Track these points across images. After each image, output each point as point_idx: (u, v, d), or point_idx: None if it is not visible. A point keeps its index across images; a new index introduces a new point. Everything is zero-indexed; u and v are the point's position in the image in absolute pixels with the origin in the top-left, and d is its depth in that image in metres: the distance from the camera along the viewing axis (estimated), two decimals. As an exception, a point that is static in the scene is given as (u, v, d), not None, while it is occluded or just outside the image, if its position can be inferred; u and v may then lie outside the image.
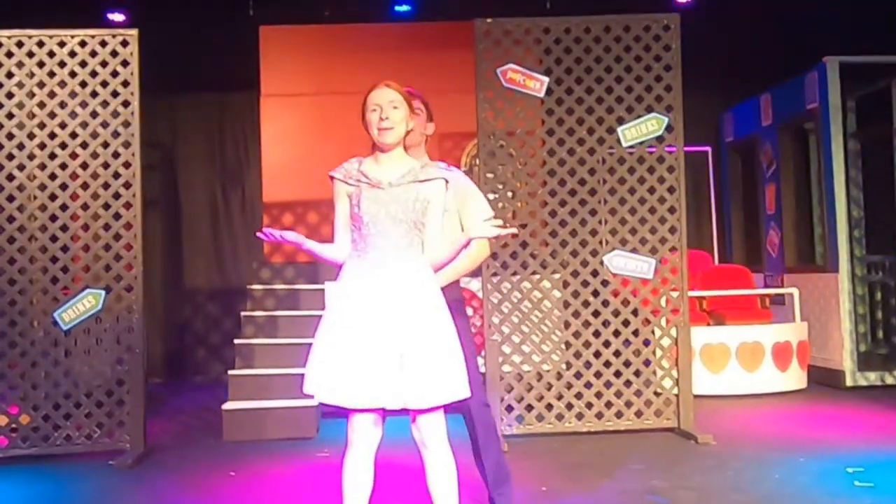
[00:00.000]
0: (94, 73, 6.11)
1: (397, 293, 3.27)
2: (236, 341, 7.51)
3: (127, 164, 6.11)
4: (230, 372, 7.14)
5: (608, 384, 6.34)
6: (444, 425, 3.33)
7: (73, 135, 6.10)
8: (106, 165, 6.11)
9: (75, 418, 6.05)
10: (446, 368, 3.25)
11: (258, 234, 3.42)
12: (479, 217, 3.95)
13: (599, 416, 6.34)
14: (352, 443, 3.35)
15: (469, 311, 7.82)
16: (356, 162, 3.45)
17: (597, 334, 6.35)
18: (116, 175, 6.11)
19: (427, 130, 4.08)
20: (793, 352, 8.19)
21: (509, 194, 6.58)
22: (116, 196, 6.11)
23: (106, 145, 6.11)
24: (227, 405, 6.79)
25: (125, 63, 6.12)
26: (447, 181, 3.41)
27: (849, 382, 8.08)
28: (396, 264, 3.30)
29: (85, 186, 6.11)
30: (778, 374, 8.10)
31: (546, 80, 6.30)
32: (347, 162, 3.47)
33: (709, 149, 10.37)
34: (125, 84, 6.12)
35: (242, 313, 7.88)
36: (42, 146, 6.08)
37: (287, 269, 8.63)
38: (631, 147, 6.37)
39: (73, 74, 6.11)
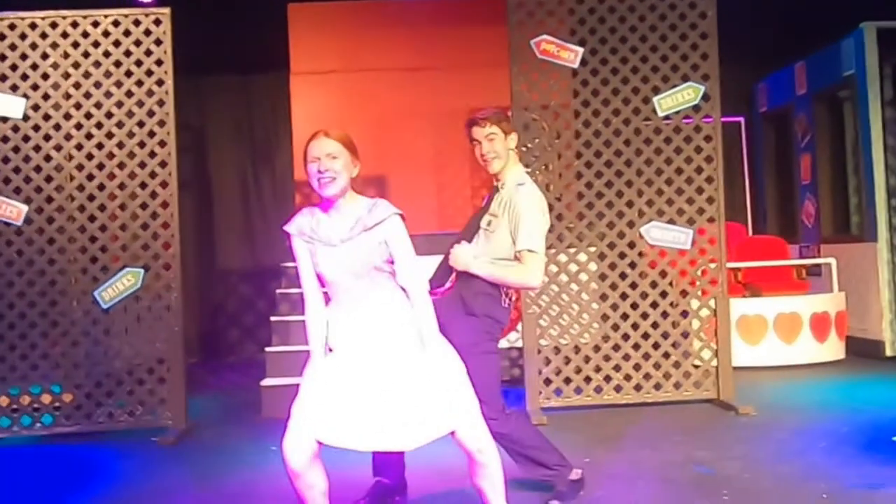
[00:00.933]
0: (128, 53, 6.13)
1: (375, 339, 3.32)
2: (272, 318, 7.54)
3: (162, 143, 6.13)
4: (267, 349, 7.17)
5: (646, 356, 6.31)
6: (482, 431, 3.39)
7: (109, 115, 6.12)
8: (142, 144, 6.13)
9: (117, 396, 6.11)
10: (436, 401, 3.28)
11: None
12: (522, 241, 3.93)
13: (638, 388, 6.31)
14: (299, 472, 3.30)
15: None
16: (308, 214, 3.42)
17: (634, 306, 6.31)
18: (152, 154, 6.13)
19: (510, 144, 4.06)
20: (831, 322, 8.11)
21: (544, 167, 6.53)
22: (153, 175, 6.13)
23: (141, 124, 6.13)
24: (266, 381, 6.83)
25: (158, 42, 6.13)
26: (402, 215, 3.36)
27: (888, 352, 8.00)
28: (369, 311, 3.34)
29: (122, 166, 6.14)
30: (816, 345, 8.03)
31: (580, 50, 6.24)
32: (300, 215, 3.45)
33: (742, 119, 10.24)
34: (159, 63, 6.13)
35: (278, 291, 7.91)
36: (78, 126, 6.11)
37: (320, 247, 8.64)
38: (667, 117, 6.30)
39: (107, 54, 6.12)
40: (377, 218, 3.32)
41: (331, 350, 3.39)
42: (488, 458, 3.40)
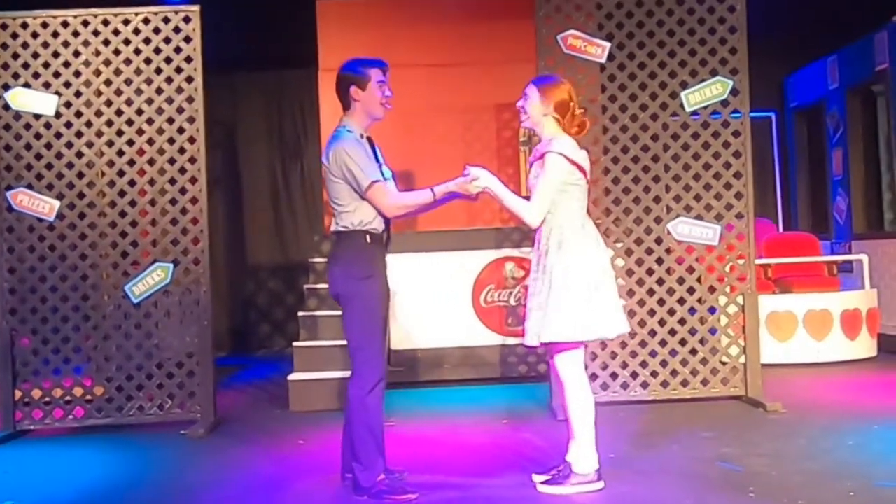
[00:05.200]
0: (158, 50, 6.19)
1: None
2: (300, 314, 7.59)
3: (192, 140, 6.19)
4: (295, 344, 7.23)
5: (673, 353, 6.28)
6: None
7: (140, 111, 6.19)
8: (171, 141, 6.19)
9: (147, 389, 6.18)
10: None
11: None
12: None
13: (665, 384, 6.28)
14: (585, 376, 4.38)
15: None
16: None
17: (661, 303, 6.28)
18: (182, 150, 6.19)
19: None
20: (862, 320, 8.01)
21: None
22: (182, 171, 6.19)
23: (171, 121, 6.19)
24: (293, 376, 6.88)
25: (188, 39, 6.19)
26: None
27: (921, 350, 7.91)
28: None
29: (151, 162, 6.20)
30: (847, 342, 7.94)
31: (607, 45, 6.21)
32: None
33: (773, 115, 10.15)
34: (188, 60, 6.19)
35: (305, 286, 7.96)
36: (109, 123, 6.19)
37: (348, 243, 8.67)
38: (695, 112, 6.26)
39: (137, 52, 6.19)
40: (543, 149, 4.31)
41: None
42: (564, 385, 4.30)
